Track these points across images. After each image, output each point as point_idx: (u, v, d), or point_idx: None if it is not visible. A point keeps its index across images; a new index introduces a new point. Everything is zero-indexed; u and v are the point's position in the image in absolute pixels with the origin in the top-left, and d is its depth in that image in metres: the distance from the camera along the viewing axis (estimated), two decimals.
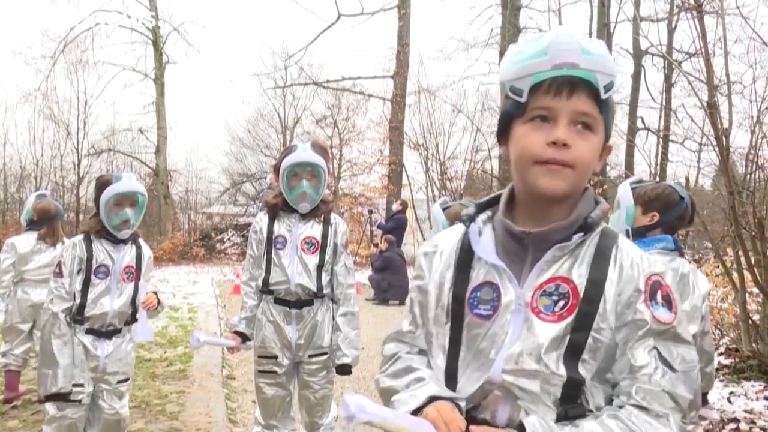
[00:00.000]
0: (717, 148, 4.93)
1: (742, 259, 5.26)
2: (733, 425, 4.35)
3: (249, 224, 21.57)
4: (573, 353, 1.11)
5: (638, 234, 2.56)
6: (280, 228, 3.15)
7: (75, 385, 2.94)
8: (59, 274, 2.97)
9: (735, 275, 5.40)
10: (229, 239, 21.43)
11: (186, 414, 4.53)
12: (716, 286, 6.58)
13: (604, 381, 1.13)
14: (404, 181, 18.59)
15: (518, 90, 1.12)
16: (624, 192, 2.62)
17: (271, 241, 3.13)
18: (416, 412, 1.13)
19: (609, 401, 1.13)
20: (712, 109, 4.73)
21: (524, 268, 1.17)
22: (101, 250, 3.02)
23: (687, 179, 6.57)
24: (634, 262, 1.15)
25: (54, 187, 20.18)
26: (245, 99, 26.40)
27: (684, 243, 8.33)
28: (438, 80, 33.44)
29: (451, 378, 1.20)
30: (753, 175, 6.49)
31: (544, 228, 1.14)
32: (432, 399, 1.13)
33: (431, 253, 1.29)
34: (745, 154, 7.40)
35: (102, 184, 3.02)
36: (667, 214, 2.55)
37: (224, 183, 25.21)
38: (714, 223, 7.89)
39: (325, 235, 3.16)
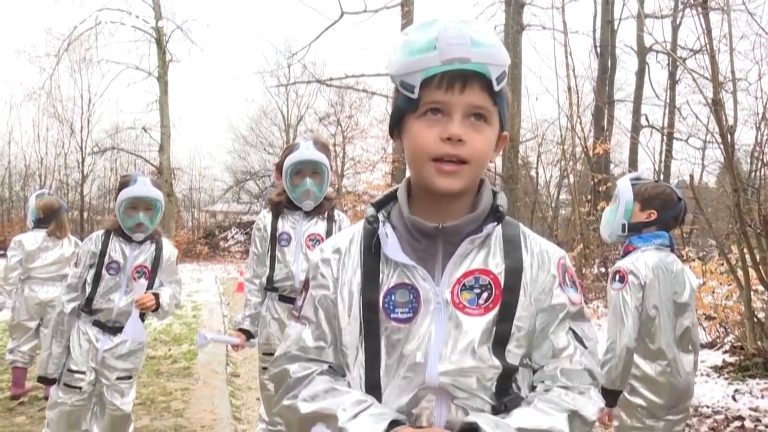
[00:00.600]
0: (722, 146, 4.92)
1: (747, 256, 5.25)
2: (737, 423, 4.35)
3: (253, 222, 21.52)
4: (499, 344, 1.10)
5: (634, 229, 2.64)
6: (284, 225, 3.17)
7: (76, 372, 3.03)
8: (76, 264, 3.10)
9: (740, 273, 5.39)
10: (232, 237, 21.50)
11: (191, 411, 4.54)
12: (721, 283, 6.57)
13: (526, 366, 1.14)
14: None
15: (409, 86, 1.08)
16: (624, 187, 2.68)
17: (275, 238, 3.15)
18: None
19: (531, 386, 1.15)
20: (717, 106, 4.72)
21: (435, 264, 1.13)
22: (116, 248, 3.08)
23: (691, 176, 6.55)
24: (543, 248, 1.17)
25: (58, 185, 20.27)
26: (248, 97, 26.58)
27: (688, 240, 8.32)
28: None
29: (373, 389, 1.12)
30: (758, 173, 6.48)
31: (458, 221, 1.12)
32: (393, 423, 1.05)
33: (332, 259, 1.19)
34: (750, 151, 7.38)
35: (120, 185, 3.10)
36: (664, 213, 2.62)
37: (228, 181, 25.33)
38: (718, 220, 7.90)
39: (329, 232, 3.18)
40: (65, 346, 3.05)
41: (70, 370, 3.03)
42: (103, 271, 3.04)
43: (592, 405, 1.11)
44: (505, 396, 1.10)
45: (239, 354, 6.50)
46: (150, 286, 3.12)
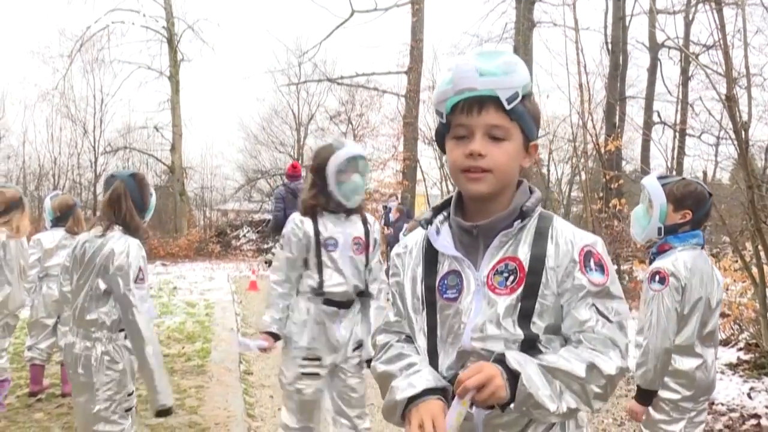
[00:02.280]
0: (736, 142, 4.89)
1: (762, 253, 5.21)
2: (753, 421, 4.32)
3: (264, 221, 21.70)
4: (524, 317, 1.33)
5: (670, 231, 2.60)
6: (327, 229, 3.08)
7: (131, 393, 2.82)
8: (143, 279, 2.76)
9: (754, 270, 5.35)
10: (244, 235, 21.57)
11: (205, 408, 4.58)
12: (735, 281, 6.52)
13: (556, 334, 1.36)
14: (419, 176, 18.60)
15: (439, 112, 1.37)
16: (654, 189, 2.63)
17: (320, 244, 3.06)
18: (411, 400, 1.30)
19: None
20: (730, 102, 4.68)
21: (478, 255, 1.39)
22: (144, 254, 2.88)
23: (704, 173, 6.54)
24: (568, 239, 1.37)
25: (72, 184, 20.43)
26: (259, 96, 26.66)
27: None
28: None
29: (432, 354, 1.41)
30: None
31: (488, 220, 1.37)
32: (426, 392, 1.30)
33: (403, 253, 1.52)
34: (764, 147, 7.33)
35: (143, 179, 2.95)
36: (698, 211, 2.60)
37: (239, 180, 25.42)
38: (732, 217, 7.81)
39: (367, 234, 3.16)
40: None
41: (129, 394, 2.81)
42: None
43: (611, 362, 1.30)
44: (530, 353, 1.31)
45: (252, 352, 6.54)
46: None
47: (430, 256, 1.44)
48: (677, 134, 14.94)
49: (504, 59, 1.32)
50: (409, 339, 1.48)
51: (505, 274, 1.35)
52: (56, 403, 4.64)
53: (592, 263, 1.36)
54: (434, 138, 1.44)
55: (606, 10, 17.06)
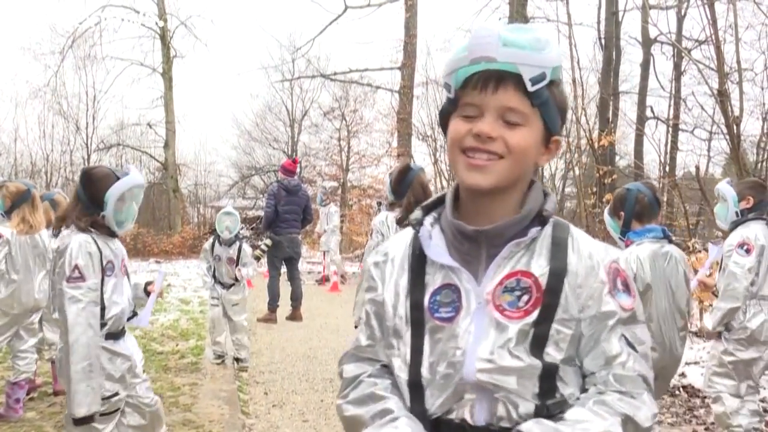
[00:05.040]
0: (728, 136, 4.91)
1: None
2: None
3: (258, 218, 21.69)
4: (536, 346, 1.10)
5: (623, 235, 2.91)
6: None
7: (112, 396, 2.70)
8: (80, 278, 2.58)
9: None
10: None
11: (199, 406, 4.58)
12: None
13: (572, 365, 1.13)
14: None
15: (447, 86, 1.14)
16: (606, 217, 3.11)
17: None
18: None
19: (580, 387, 1.14)
20: (722, 96, 4.70)
21: (480, 266, 1.14)
22: (105, 246, 2.73)
23: (697, 168, 6.55)
24: (592, 252, 1.15)
25: (64, 182, 20.31)
26: (253, 92, 26.49)
27: (694, 232, 8.28)
28: None
29: (416, 388, 1.15)
30: (764, 163, 6.45)
31: (498, 224, 1.13)
32: None
33: (382, 262, 1.25)
34: (756, 141, 7.36)
35: (105, 176, 2.76)
36: (625, 209, 2.89)
37: (233, 176, 25.31)
38: None
39: None
40: (102, 372, 2.63)
41: (104, 398, 2.66)
42: (104, 276, 2.69)
43: (646, 410, 1.09)
44: (550, 398, 1.10)
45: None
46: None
47: (418, 265, 1.18)
48: (670, 129, 14.96)
49: (536, 34, 1.10)
50: (385, 368, 1.22)
51: (517, 293, 1.10)
52: (48, 402, 4.62)
53: (619, 283, 1.14)
54: (438, 118, 1.21)
55: (599, 6, 17.05)
